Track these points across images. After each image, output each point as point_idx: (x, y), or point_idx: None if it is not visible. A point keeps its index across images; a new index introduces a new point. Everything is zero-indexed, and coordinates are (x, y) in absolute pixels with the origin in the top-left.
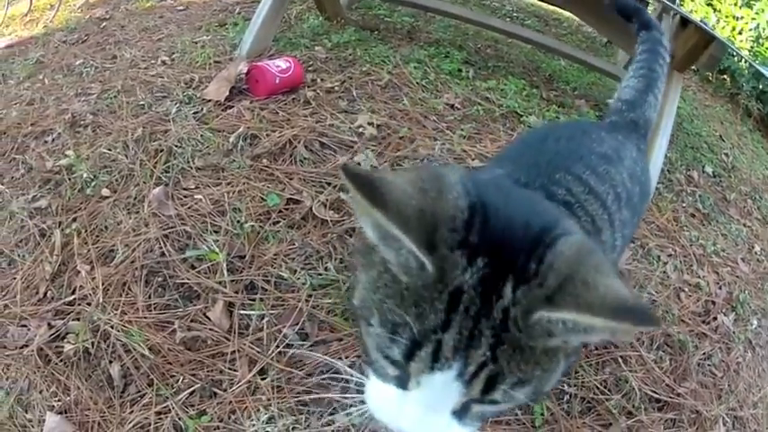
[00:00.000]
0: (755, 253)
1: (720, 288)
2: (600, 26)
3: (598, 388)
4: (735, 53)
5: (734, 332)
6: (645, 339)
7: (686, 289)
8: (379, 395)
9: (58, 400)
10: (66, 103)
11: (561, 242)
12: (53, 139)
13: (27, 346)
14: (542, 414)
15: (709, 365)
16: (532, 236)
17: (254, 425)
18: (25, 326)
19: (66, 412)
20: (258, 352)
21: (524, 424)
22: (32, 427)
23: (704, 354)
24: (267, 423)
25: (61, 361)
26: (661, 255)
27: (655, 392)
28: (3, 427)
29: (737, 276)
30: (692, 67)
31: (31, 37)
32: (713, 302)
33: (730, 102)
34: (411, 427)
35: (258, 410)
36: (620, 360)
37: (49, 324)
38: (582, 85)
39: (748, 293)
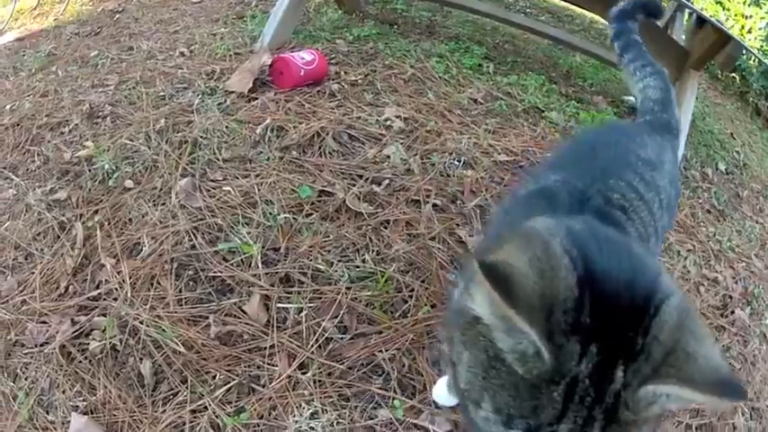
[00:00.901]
0: None
1: (737, 283)
2: None
3: None
4: (746, 52)
5: (750, 326)
6: None
7: (705, 283)
8: None
9: (83, 401)
10: (82, 95)
11: (663, 310)
12: (70, 131)
13: (48, 343)
14: None
15: (728, 357)
16: (638, 306)
17: (296, 421)
18: (45, 322)
19: (92, 413)
20: (298, 346)
21: None
22: (55, 429)
23: (724, 346)
24: (311, 419)
25: (86, 359)
26: (681, 250)
27: None
28: (22, 431)
29: (752, 272)
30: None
31: (42, 30)
32: (730, 297)
33: (740, 100)
34: None
35: (300, 406)
36: None
37: (72, 320)
38: (598, 82)
39: (762, 288)
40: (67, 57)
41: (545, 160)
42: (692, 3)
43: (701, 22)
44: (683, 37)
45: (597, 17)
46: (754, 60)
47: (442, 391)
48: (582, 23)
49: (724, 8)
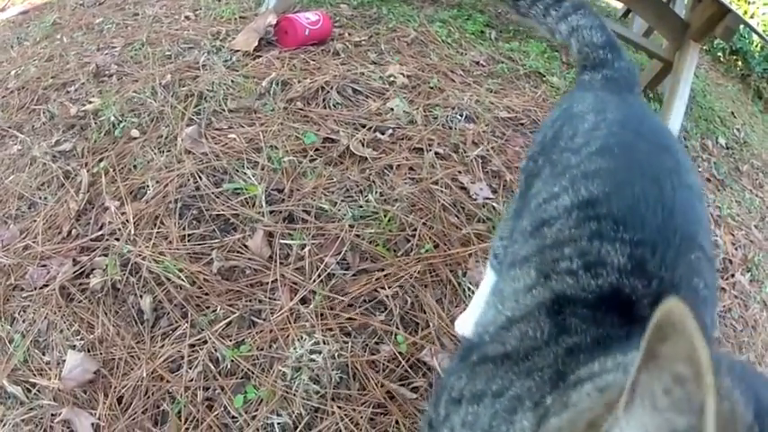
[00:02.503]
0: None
1: (736, 249)
2: None
3: None
4: (746, 32)
5: (750, 291)
6: None
7: None
8: None
9: (81, 339)
10: (88, 57)
11: None
12: (76, 89)
13: (47, 285)
14: None
15: (729, 318)
16: None
17: (297, 351)
18: (45, 266)
19: (89, 351)
20: (300, 280)
21: None
22: (50, 369)
23: (725, 306)
24: (312, 349)
25: (86, 298)
26: None
27: None
28: (15, 374)
29: (751, 241)
30: (704, 47)
31: (46, 3)
32: (730, 261)
33: (741, 83)
34: None
35: (302, 338)
36: None
37: (73, 260)
38: None
39: (762, 257)
40: (72, 25)
41: (578, 168)
42: None
43: None
44: (684, 11)
45: None
46: (756, 45)
47: (464, 322)
48: None
49: None
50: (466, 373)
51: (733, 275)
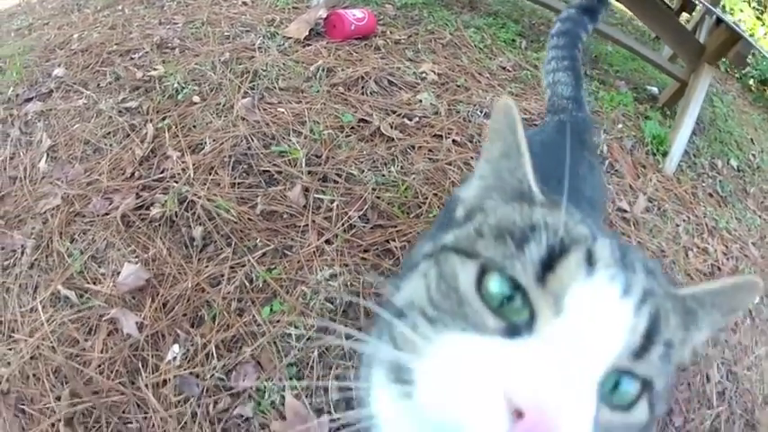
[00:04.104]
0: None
1: (728, 259)
2: (646, 20)
3: None
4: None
5: None
6: None
7: (694, 250)
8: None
9: (136, 257)
10: (150, 30)
11: None
12: (140, 57)
13: (108, 214)
14: None
15: None
16: None
17: (316, 278)
18: (109, 198)
19: (143, 266)
20: (328, 226)
21: None
22: (104, 278)
23: None
24: (329, 278)
25: (144, 225)
26: (675, 218)
27: None
28: (70, 281)
29: (746, 255)
30: (735, 75)
31: None
32: (719, 268)
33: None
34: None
35: (323, 268)
36: None
37: (136, 195)
38: (624, 70)
39: (754, 272)
40: None
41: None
42: (730, 13)
43: (719, 21)
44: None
45: None
46: None
47: None
48: (621, 18)
49: (764, 23)
50: None
51: None
